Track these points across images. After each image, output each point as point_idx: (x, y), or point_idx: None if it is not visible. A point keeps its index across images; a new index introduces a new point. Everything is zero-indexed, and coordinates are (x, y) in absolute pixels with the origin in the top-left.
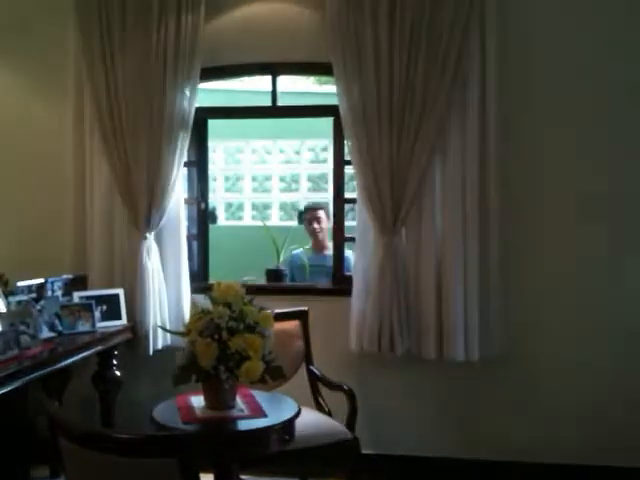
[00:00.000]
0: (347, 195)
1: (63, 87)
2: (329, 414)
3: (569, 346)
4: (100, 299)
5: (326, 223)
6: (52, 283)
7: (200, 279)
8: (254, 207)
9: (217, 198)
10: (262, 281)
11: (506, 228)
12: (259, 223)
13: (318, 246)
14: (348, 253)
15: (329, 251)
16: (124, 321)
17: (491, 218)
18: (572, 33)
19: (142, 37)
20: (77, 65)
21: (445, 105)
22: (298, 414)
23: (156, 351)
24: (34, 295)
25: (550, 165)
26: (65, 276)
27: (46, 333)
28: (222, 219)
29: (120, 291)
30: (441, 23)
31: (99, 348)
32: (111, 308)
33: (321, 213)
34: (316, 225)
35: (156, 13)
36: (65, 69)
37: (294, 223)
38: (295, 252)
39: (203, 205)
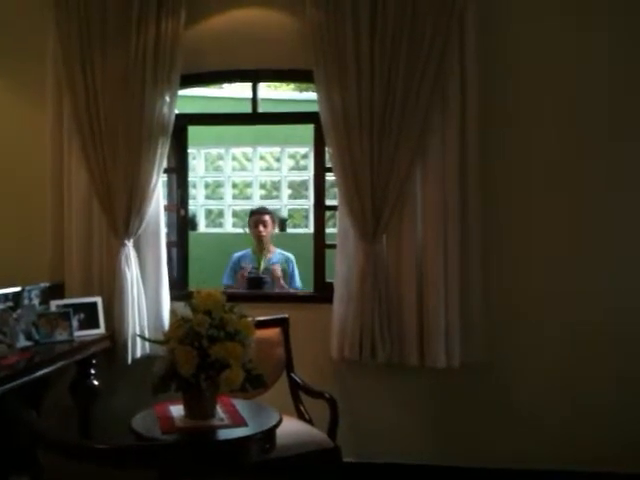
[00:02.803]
0: (328, 202)
1: (41, 93)
2: (310, 422)
3: (551, 351)
4: (78, 307)
5: (271, 227)
6: (29, 291)
7: (180, 287)
8: (235, 214)
9: (197, 205)
10: None
11: (487, 234)
12: (240, 230)
13: (261, 250)
14: (278, 255)
15: (272, 254)
16: (102, 330)
17: (472, 225)
18: (552, 38)
19: (122, 43)
20: (56, 70)
21: (425, 111)
22: (279, 423)
23: (135, 360)
24: (11, 304)
25: (531, 169)
26: (42, 284)
27: (23, 342)
28: (202, 226)
29: (98, 299)
30: (422, 30)
31: (77, 357)
32: (89, 317)
33: (267, 217)
34: (261, 228)
35: (135, 19)
36: (43, 75)
37: (275, 230)
38: (236, 256)
39: (183, 212)
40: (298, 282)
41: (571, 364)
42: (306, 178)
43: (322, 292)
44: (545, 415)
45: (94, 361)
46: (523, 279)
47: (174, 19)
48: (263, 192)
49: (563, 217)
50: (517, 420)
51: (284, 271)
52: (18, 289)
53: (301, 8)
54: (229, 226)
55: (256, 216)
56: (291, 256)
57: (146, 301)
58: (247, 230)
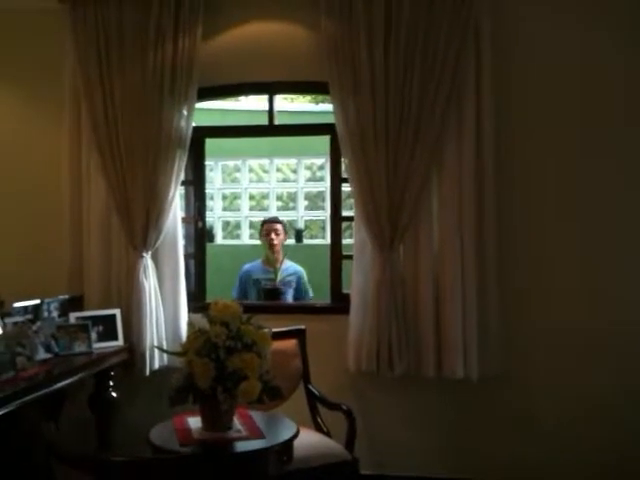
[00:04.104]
0: (344, 213)
1: (60, 108)
2: (328, 434)
3: (571, 362)
4: (96, 319)
5: (283, 236)
6: (48, 304)
7: (197, 298)
8: (252, 226)
9: (214, 217)
10: None
11: (504, 244)
12: (257, 242)
13: (271, 260)
14: (293, 267)
15: (282, 265)
16: (120, 342)
17: (488, 235)
18: (567, 48)
19: (139, 58)
20: (74, 86)
21: (441, 122)
22: (296, 435)
23: (153, 372)
24: (30, 316)
25: (547, 179)
26: (61, 297)
27: (42, 354)
28: (219, 238)
29: (117, 311)
30: (436, 41)
31: (95, 369)
32: (107, 329)
33: (279, 226)
34: (273, 236)
35: (153, 34)
36: (62, 90)
37: (292, 241)
38: (246, 268)
39: (200, 224)
40: (310, 294)
41: (591, 376)
42: (322, 189)
43: (339, 303)
44: (564, 428)
45: (112, 373)
46: (541, 289)
47: (191, 34)
48: (280, 203)
49: (583, 225)
50: (536, 433)
51: (296, 284)
52: (37, 301)
53: (316, 21)
54: (246, 237)
55: (268, 225)
56: (301, 269)
57: (164, 313)
58: (260, 240)
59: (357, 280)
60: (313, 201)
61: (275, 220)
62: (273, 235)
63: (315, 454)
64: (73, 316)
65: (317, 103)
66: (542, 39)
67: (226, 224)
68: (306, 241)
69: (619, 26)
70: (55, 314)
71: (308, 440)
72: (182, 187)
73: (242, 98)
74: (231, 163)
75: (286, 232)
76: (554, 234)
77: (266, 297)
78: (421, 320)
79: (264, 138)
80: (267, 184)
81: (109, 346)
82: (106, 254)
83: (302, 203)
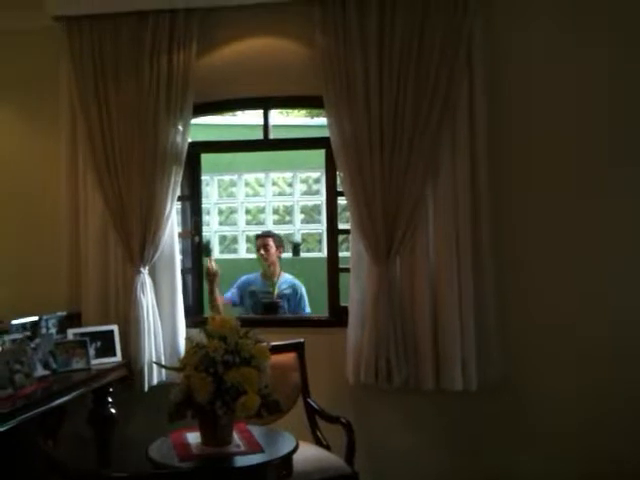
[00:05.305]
0: (341, 226)
1: (57, 125)
2: (327, 448)
3: (569, 371)
4: (94, 336)
5: (274, 250)
6: (46, 321)
7: (195, 313)
8: (248, 240)
9: (211, 231)
10: None
11: (500, 253)
12: (253, 255)
13: (267, 273)
14: (290, 280)
15: (278, 278)
16: (119, 357)
17: (484, 244)
18: (561, 62)
19: (135, 75)
20: (70, 102)
21: (435, 135)
22: (296, 449)
23: (151, 387)
24: (28, 333)
25: (542, 185)
26: (59, 313)
27: (40, 371)
28: (217, 252)
29: (114, 327)
30: (430, 55)
31: (94, 385)
32: (105, 344)
33: (269, 241)
34: (263, 252)
35: (148, 50)
36: (58, 106)
37: (289, 255)
38: (245, 277)
39: (197, 238)
40: (307, 309)
41: (590, 384)
42: (318, 202)
43: (336, 316)
44: (564, 436)
45: (111, 389)
46: (539, 298)
47: (186, 50)
48: (276, 217)
49: (580, 229)
50: (536, 442)
51: (293, 297)
52: (35, 318)
53: (310, 36)
54: (243, 251)
55: (260, 239)
56: (299, 283)
57: (162, 328)
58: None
59: (354, 292)
60: (309, 214)
61: (266, 234)
62: (262, 251)
63: (315, 468)
64: (71, 332)
65: (312, 117)
66: (535, 53)
67: (223, 238)
68: (303, 254)
69: (617, 40)
70: (53, 331)
71: (307, 454)
72: (179, 202)
73: (238, 113)
74: (227, 178)
75: (280, 245)
76: (550, 242)
77: (264, 311)
78: (419, 331)
79: (260, 152)
80: (263, 198)
81: (107, 362)
82: (103, 270)
83: (298, 217)
